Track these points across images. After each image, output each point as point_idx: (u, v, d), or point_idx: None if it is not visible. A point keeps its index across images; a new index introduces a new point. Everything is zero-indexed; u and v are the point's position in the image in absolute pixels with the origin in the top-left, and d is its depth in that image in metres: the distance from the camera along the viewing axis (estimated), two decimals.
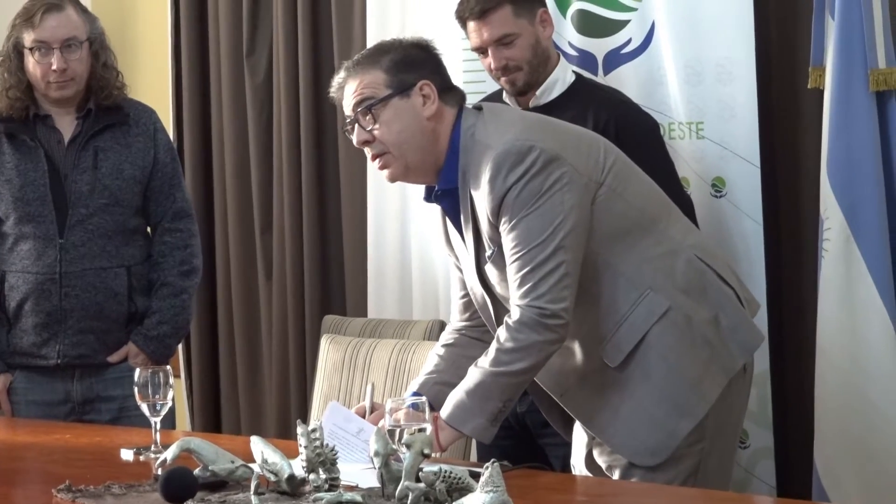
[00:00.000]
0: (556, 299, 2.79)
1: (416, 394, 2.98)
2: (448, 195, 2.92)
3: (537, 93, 3.69)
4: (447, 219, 3.01)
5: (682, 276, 2.91)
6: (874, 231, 3.66)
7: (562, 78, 3.71)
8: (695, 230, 3.11)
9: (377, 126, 2.87)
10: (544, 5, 3.76)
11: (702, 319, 2.90)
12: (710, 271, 2.95)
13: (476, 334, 3.07)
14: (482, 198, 2.84)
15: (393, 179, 2.95)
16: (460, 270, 3.05)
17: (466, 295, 3.07)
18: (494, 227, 2.85)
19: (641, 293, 2.87)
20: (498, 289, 2.94)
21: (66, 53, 3.77)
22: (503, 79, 3.69)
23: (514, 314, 2.82)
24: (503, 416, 2.86)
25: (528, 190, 2.79)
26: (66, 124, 3.85)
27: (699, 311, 2.90)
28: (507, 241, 2.83)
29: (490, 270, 2.92)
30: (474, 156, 2.85)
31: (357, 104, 2.88)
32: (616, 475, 2.93)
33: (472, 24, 3.66)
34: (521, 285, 2.81)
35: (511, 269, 2.83)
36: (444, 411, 2.84)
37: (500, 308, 2.94)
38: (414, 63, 2.89)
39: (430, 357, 3.10)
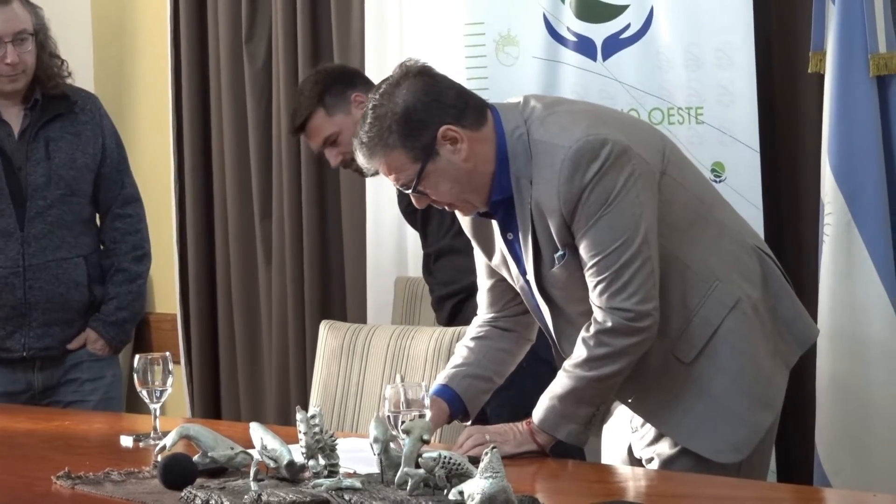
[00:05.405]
0: (646, 298, 2.67)
1: (444, 387, 2.89)
2: (500, 205, 2.76)
3: None
4: (497, 229, 2.82)
5: (745, 265, 2.80)
6: (875, 216, 3.66)
7: None
8: (736, 212, 2.96)
9: (429, 192, 2.72)
10: (357, 87, 3.62)
11: (765, 310, 2.81)
12: (768, 260, 2.86)
13: (507, 325, 2.96)
14: (554, 199, 2.67)
15: (469, 214, 2.83)
16: (507, 263, 2.85)
17: (496, 285, 2.94)
18: (569, 228, 2.70)
19: (710, 285, 2.75)
20: (562, 293, 2.78)
21: (18, 46, 3.77)
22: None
23: (602, 319, 2.69)
24: (597, 420, 2.78)
25: (603, 187, 2.64)
26: (14, 116, 3.85)
27: (763, 302, 2.80)
28: (586, 243, 2.68)
29: (557, 274, 2.75)
30: (535, 158, 2.69)
31: (402, 187, 2.72)
32: (656, 466, 2.83)
33: (302, 137, 3.67)
34: (606, 288, 2.68)
35: (592, 271, 2.69)
36: (536, 416, 2.75)
37: (559, 316, 2.82)
38: (419, 119, 2.67)
39: (457, 349, 2.98)
